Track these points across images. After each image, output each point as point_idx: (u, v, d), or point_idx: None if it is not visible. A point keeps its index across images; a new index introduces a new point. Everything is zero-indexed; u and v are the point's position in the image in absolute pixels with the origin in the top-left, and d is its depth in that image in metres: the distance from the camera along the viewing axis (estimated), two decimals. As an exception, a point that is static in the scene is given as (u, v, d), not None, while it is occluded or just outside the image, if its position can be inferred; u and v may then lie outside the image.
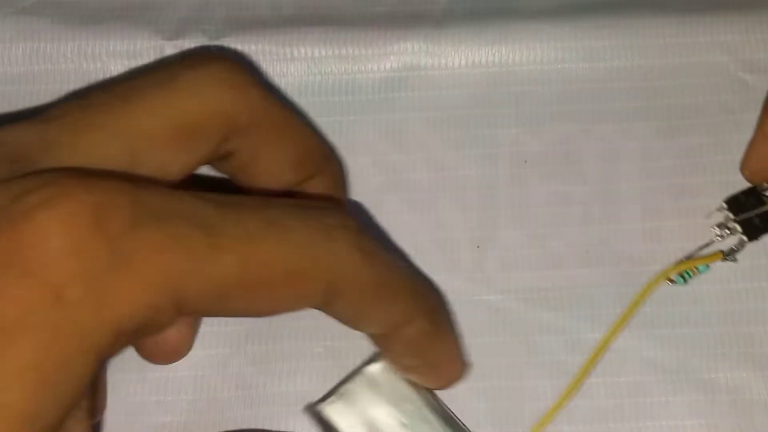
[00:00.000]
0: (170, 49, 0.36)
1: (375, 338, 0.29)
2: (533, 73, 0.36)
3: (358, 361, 0.33)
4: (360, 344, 0.33)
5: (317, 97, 0.36)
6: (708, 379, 0.32)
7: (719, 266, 0.34)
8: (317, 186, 0.30)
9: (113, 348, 0.22)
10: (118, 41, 0.36)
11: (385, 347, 0.30)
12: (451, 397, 0.33)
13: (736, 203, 0.34)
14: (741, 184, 0.34)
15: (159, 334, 0.23)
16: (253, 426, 0.33)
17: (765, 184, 0.34)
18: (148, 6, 0.37)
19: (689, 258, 0.34)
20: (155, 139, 0.26)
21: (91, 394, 0.23)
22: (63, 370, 0.21)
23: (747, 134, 0.35)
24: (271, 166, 0.29)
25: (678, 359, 0.33)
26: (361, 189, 0.35)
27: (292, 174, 0.30)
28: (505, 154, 0.35)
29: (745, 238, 0.33)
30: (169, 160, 0.26)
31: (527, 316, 0.34)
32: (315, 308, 0.26)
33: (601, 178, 0.35)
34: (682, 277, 0.33)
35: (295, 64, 0.36)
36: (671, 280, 0.33)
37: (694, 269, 0.33)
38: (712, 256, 0.33)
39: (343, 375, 0.33)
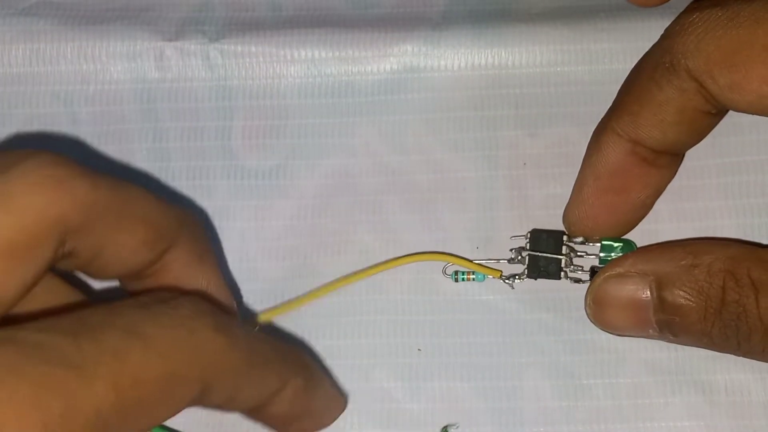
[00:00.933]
0: (170, 50, 0.36)
1: (253, 412, 0.28)
2: (532, 76, 0.36)
3: (357, 361, 0.33)
4: (359, 344, 0.33)
5: (317, 99, 0.36)
6: (706, 381, 0.33)
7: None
8: (177, 256, 0.28)
9: None
10: (118, 42, 0.36)
11: (264, 416, 0.28)
12: (452, 397, 0.33)
13: (537, 237, 0.33)
14: (739, 186, 0.34)
15: None
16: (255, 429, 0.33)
17: (575, 239, 0.33)
18: (148, 7, 0.37)
19: (476, 261, 0.34)
20: None
21: None
22: None
23: (744, 137, 0.35)
24: (120, 252, 0.26)
25: (676, 361, 0.33)
26: (361, 190, 0.35)
27: (146, 253, 0.27)
28: (504, 156, 0.36)
29: (526, 271, 0.33)
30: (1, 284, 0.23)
31: (527, 316, 0.34)
32: (193, 405, 0.24)
33: (600, 180, 0.35)
34: (456, 276, 0.34)
35: (294, 66, 0.36)
36: (446, 273, 0.34)
37: (470, 274, 0.34)
38: (493, 271, 0.34)
39: (342, 374, 0.33)
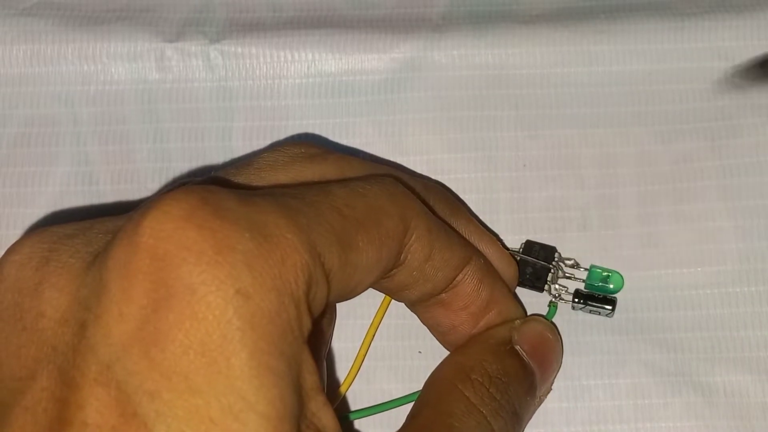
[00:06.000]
0: (170, 51, 0.36)
1: (445, 304, 0.30)
2: (532, 77, 0.36)
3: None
4: (358, 346, 0.33)
5: (317, 99, 0.36)
6: (705, 382, 0.33)
7: (715, 270, 0.34)
8: (471, 273, 0.30)
9: (302, 324, 0.23)
10: (118, 43, 0.36)
11: (455, 300, 0.30)
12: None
13: (530, 247, 0.34)
14: (737, 188, 0.35)
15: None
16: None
17: (567, 262, 0.34)
18: (149, 8, 0.37)
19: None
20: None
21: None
22: (279, 357, 0.22)
23: (743, 139, 0.35)
24: (440, 264, 0.29)
25: (676, 362, 0.33)
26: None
27: (453, 271, 0.29)
28: (504, 158, 0.36)
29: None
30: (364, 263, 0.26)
31: (526, 318, 0.34)
32: (399, 254, 0.27)
33: (599, 183, 0.35)
34: None
35: (294, 66, 0.36)
36: None
37: None
38: None
39: (343, 376, 0.33)
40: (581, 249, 0.34)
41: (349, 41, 0.36)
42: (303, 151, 0.29)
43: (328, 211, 0.25)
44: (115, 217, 0.25)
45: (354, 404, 0.33)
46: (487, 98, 0.36)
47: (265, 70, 0.36)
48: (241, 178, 0.28)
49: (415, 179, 0.31)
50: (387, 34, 0.37)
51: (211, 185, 0.23)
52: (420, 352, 0.34)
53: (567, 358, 0.33)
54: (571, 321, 0.34)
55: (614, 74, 0.36)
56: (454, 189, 0.35)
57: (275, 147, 0.30)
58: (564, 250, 0.34)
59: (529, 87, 0.36)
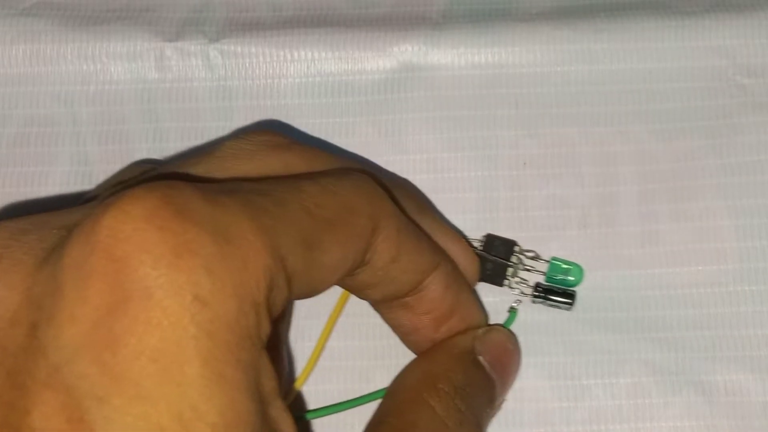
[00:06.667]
0: (170, 50, 0.36)
1: (409, 307, 0.30)
2: (532, 75, 0.36)
3: (357, 362, 0.33)
4: (360, 346, 0.33)
5: (316, 99, 0.36)
6: (706, 381, 0.33)
7: (715, 269, 0.34)
8: (437, 279, 0.30)
9: (261, 330, 0.22)
10: (118, 43, 0.36)
11: (419, 306, 0.30)
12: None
13: (491, 241, 0.34)
14: (737, 187, 0.34)
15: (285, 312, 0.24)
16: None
17: (527, 254, 0.34)
18: (148, 7, 0.37)
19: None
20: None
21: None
22: (235, 365, 0.21)
23: (744, 138, 0.35)
24: (407, 267, 0.28)
25: (676, 361, 0.33)
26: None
27: (419, 275, 0.29)
28: (504, 156, 0.36)
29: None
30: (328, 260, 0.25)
31: (526, 317, 0.34)
32: (365, 253, 0.27)
33: (599, 181, 0.35)
34: None
35: (294, 66, 0.36)
36: None
37: None
38: None
39: (343, 376, 0.33)
40: (581, 247, 0.34)
41: (348, 40, 0.36)
42: (267, 139, 0.28)
43: (296, 210, 0.24)
44: (71, 210, 0.25)
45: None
46: (487, 97, 0.36)
47: (264, 69, 0.36)
48: (203, 168, 0.27)
49: (382, 175, 0.30)
50: (387, 33, 0.36)
51: (174, 181, 0.23)
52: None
53: (567, 358, 0.33)
54: (570, 320, 0.34)
55: (614, 73, 0.36)
56: (453, 188, 0.35)
57: (239, 135, 0.29)
58: (564, 248, 0.34)
59: (529, 86, 0.36)
